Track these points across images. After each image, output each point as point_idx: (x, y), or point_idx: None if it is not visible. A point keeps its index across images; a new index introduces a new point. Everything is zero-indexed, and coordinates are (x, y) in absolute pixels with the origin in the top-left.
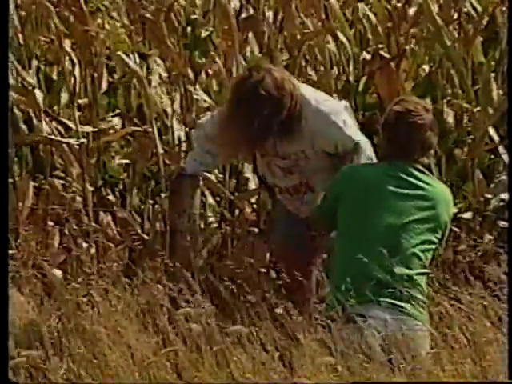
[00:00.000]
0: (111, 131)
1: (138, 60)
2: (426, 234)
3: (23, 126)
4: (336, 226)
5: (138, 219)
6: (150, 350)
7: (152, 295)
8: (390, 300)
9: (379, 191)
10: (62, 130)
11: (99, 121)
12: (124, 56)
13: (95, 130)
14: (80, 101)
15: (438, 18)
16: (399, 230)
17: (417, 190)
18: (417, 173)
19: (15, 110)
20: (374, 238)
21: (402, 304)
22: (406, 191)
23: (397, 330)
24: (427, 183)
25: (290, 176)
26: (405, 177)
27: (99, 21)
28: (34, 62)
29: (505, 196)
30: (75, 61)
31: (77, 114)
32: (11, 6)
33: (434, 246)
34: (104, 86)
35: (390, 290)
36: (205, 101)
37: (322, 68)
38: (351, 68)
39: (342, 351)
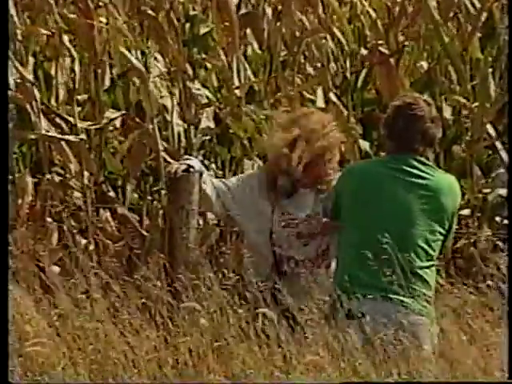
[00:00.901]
0: (111, 128)
1: (139, 56)
2: (432, 225)
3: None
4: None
5: (138, 216)
6: (150, 346)
7: (152, 291)
8: (392, 295)
9: (379, 183)
10: (63, 126)
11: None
12: (127, 52)
13: (97, 126)
14: (79, 97)
15: (436, 15)
16: (402, 221)
17: (419, 181)
18: (419, 164)
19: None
20: (377, 231)
21: (405, 299)
22: (408, 182)
23: (398, 325)
24: (430, 174)
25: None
26: (407, 168)
27: (101, 17)
28: (31, 60)
29: (503, 192)
30: (75, 56)
31: (77, 110)
32: (10, 3)
33: (441, 238)
34: (107, 82)
35: (393, 284)
36: (204, 97)
37: (320, 64)
38: (349, 64)
39: (343, 348)
